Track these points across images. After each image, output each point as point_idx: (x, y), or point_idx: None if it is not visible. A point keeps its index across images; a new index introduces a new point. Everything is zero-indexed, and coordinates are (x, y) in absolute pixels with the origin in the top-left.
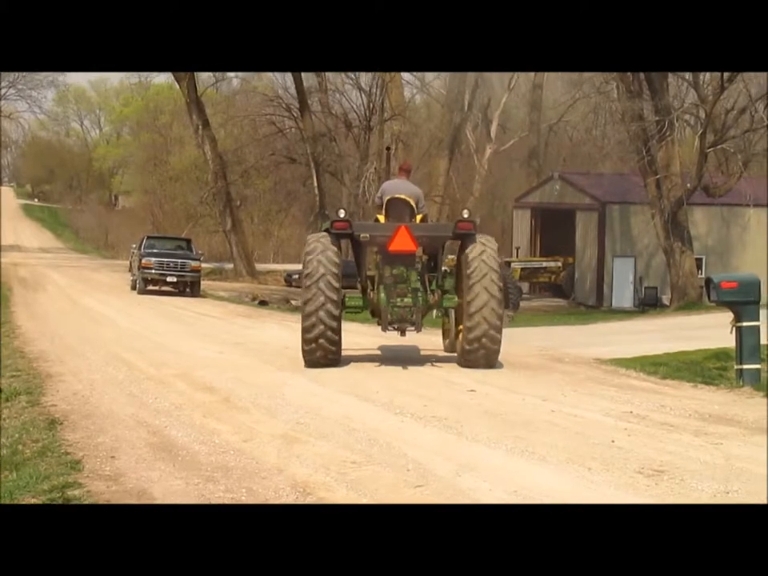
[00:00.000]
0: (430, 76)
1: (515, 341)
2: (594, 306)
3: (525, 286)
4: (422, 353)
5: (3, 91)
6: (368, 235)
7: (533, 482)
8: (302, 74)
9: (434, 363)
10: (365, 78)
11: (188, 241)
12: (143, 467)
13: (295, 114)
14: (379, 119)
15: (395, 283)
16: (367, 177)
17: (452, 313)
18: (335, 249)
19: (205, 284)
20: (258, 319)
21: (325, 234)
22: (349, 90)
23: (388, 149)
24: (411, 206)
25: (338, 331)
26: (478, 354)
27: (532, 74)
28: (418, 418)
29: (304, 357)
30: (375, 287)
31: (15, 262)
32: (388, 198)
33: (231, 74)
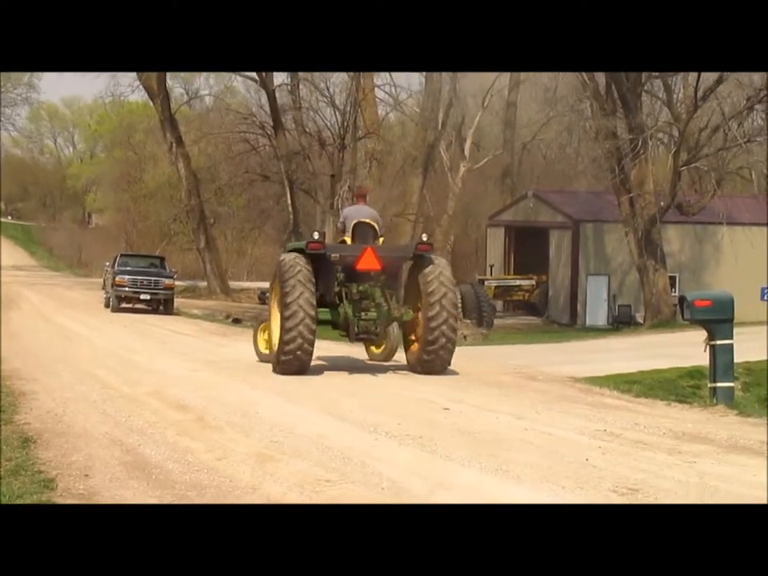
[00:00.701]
0: (403, 94)
1: (489, 359)
2: (568, 324)
3: (498, 304)
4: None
5: None
6: (338, 255)
7: (507, 500)
8: (276, 91)
9: (396, 371)
10: (339, 96)
11: (161, 258)
12: (117, 486)
13: (269, 132)
14: (353, 137)
15: (360, 299)
16: (341, 195)
17: (395, 326)
18: (310, 269)
19: (178, 302)
20: (231, 337)
21: (297, 254)
22: (323, 107)
23: (332, 176)
24: (375, 229)
25: (313, 343)
26: (435, 363)
27: (506, 92)
28: (393, 436)
29: (277, 366)
30: (342, 302)
31: None
32: (355, 221)
33: (205, 92)
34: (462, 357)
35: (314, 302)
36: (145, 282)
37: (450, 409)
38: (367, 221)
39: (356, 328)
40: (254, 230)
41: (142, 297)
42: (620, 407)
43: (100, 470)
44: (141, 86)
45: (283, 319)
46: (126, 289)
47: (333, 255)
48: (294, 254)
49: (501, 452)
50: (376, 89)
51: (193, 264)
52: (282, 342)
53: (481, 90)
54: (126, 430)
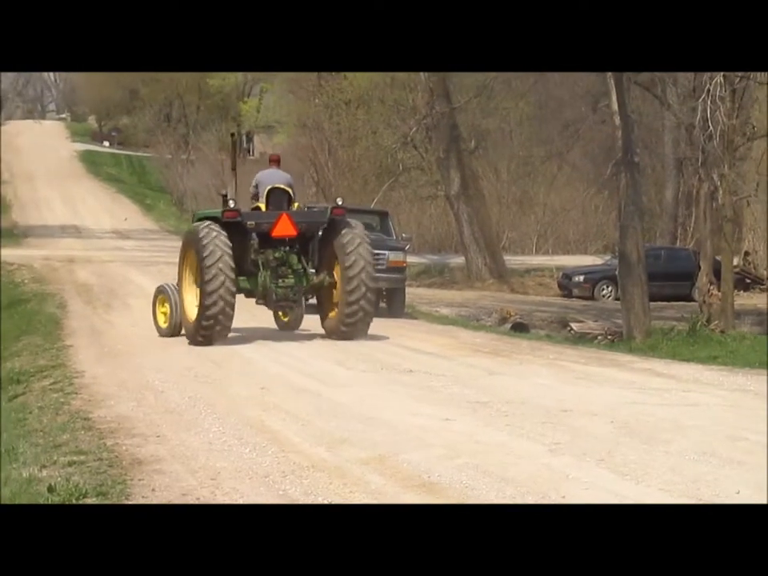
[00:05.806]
0: None
1: None
2: None
3: None
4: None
5: None
6: (254, 222)
7: None
8: None
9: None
10: None
11: (382, 215)
12: None
13: None
14: None
15: (278, 266)
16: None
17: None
18: (225, 235)
19: (412, 293)
20: (511, 357)
21: (210, 222)
22: None
23: (233, 134)
24: (289, 194)
25: (233, 307)
26: (353, 334)
27: None
28: None
29: (197, 335)
30: (259, 270)
31: (70, 257)
32: (269, 187)
33: None
34: None
35: (234, 266)
36: None
37: None
38: (282, 186)
39: (274, 296)
40: (549, 159)
41: None
42: None
43: None
44: None
45: (204, 283)
46: None
47: (249, 223)
48: (207, 222)
49: None
50: None
51: (438, 224)
52: (202, 306)
53: None
54: None
